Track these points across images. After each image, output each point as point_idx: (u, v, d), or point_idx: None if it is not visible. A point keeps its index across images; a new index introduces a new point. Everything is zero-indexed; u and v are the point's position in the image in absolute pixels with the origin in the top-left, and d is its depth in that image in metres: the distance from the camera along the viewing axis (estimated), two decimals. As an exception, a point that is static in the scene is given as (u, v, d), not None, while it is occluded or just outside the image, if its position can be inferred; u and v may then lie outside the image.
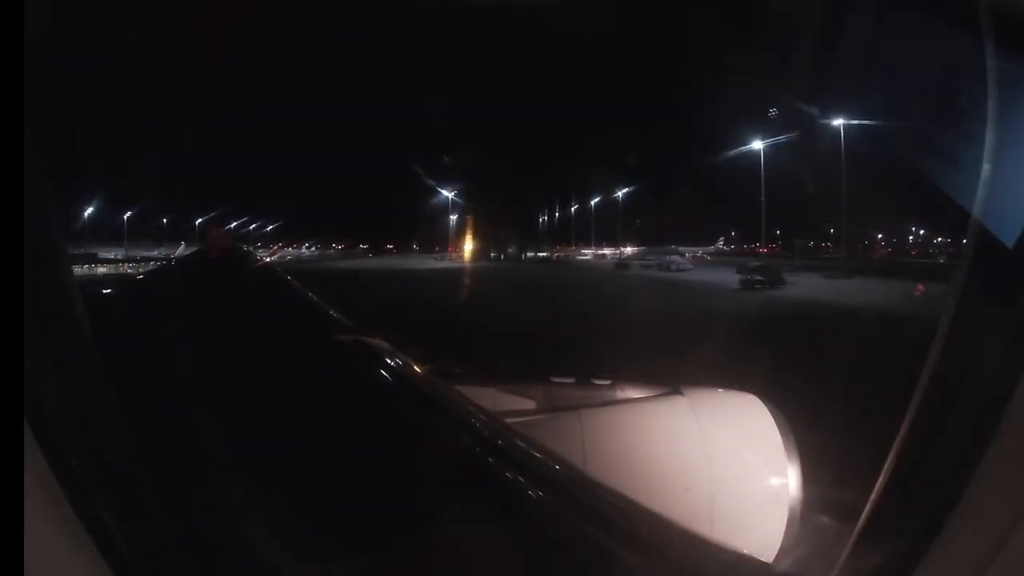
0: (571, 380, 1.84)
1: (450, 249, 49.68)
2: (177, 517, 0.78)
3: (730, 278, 24.38)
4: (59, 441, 0.68)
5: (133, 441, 0.77)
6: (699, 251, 51.10)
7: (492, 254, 45.73)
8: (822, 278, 26.52)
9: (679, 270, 33.45)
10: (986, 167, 0.81)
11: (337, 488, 0.96)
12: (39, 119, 0.70)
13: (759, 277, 23.70)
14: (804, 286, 23.31)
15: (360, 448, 1.04)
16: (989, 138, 0.82)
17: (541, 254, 48.64)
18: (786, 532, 1.41)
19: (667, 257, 38.00)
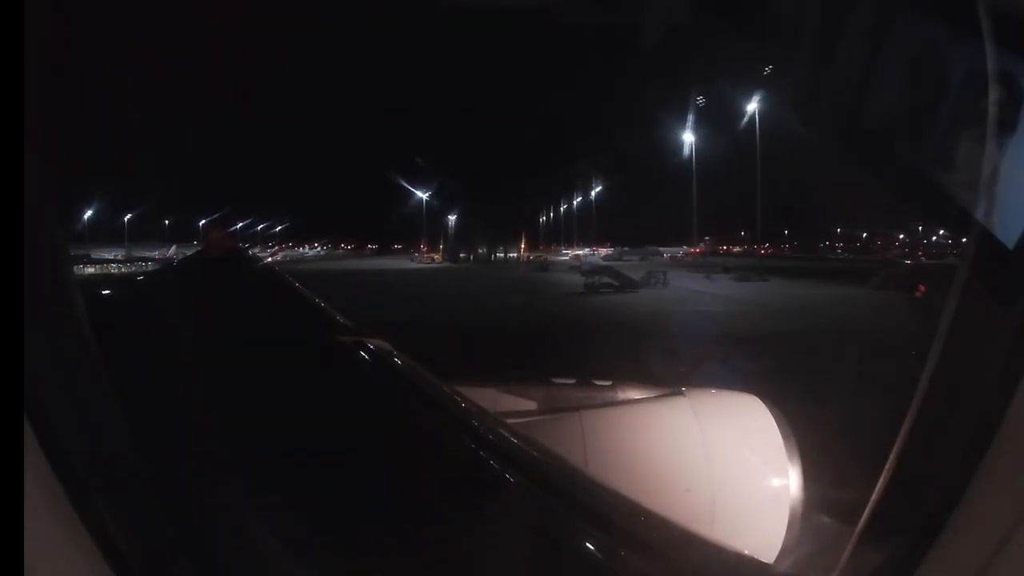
0: (571, 381, 1.84)
1: (425, 250, 49.98)
2: (177, 517, 0.78)
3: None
4: (59, 441, 0.68)
5: (133, 441, 0.77)
6: (680, 251, 51.51)
7: (462, 255, 45.66)
8: (729, 280, 26.23)
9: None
10: (986, 168, 0.81)
11: (337, 488, 0.95)
12: (39, 119, 0.70)
13: (606, 280, 23.44)
14: (674, 289, 22.91)
15: (360, 448, 1.04)
16: (989, 138, 0.82)
17: (511, 255, 48.42)
18: (787, 533, 1.41)
19: (589, 258, 38.48)
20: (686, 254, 51.13)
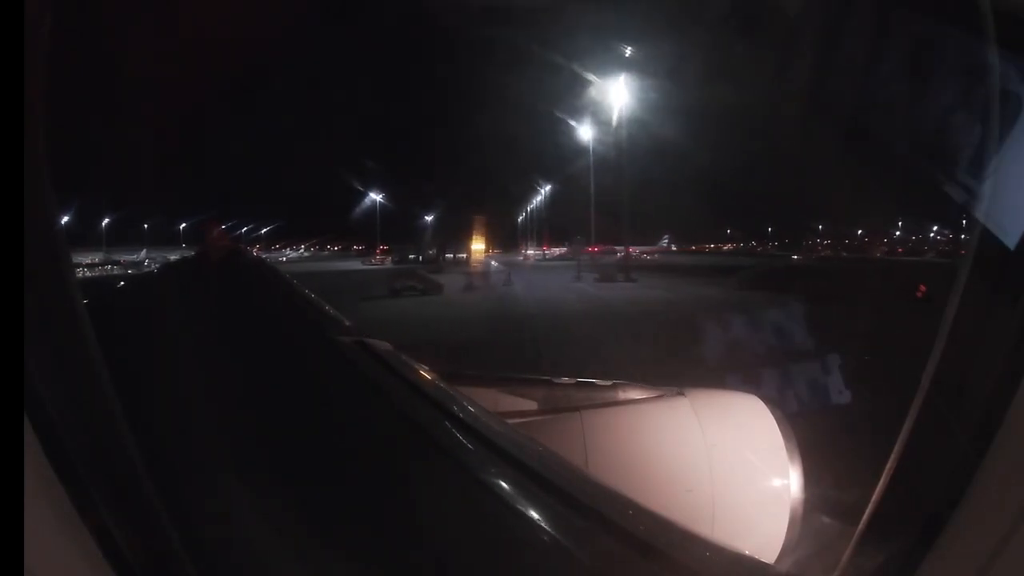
0: (572, 381, 1.84)
1: (377, 252, 49.69)
2: (178, 517, 0.78)
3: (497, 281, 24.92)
4: (60, 441, 0.68)
5: (134, 441, 0.77)
6: (636, 249, 52.30)
7: (411, 256, 45.26)
8: (592, 280, 26.02)
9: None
10: (988, 167, 0.81)
11: (338, 489, 0.95)
12: (39, 119, 0.70)
13: (409, 284, 23.04)
14: (489, 292, 22.53)
15: (361, 448, 1.04)
16: (991, 138, 0.82)
17: (460, 255, 48.05)
18: (788, 533, 1.41)
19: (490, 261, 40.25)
20: (643, 252, 52.07)
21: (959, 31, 0.89)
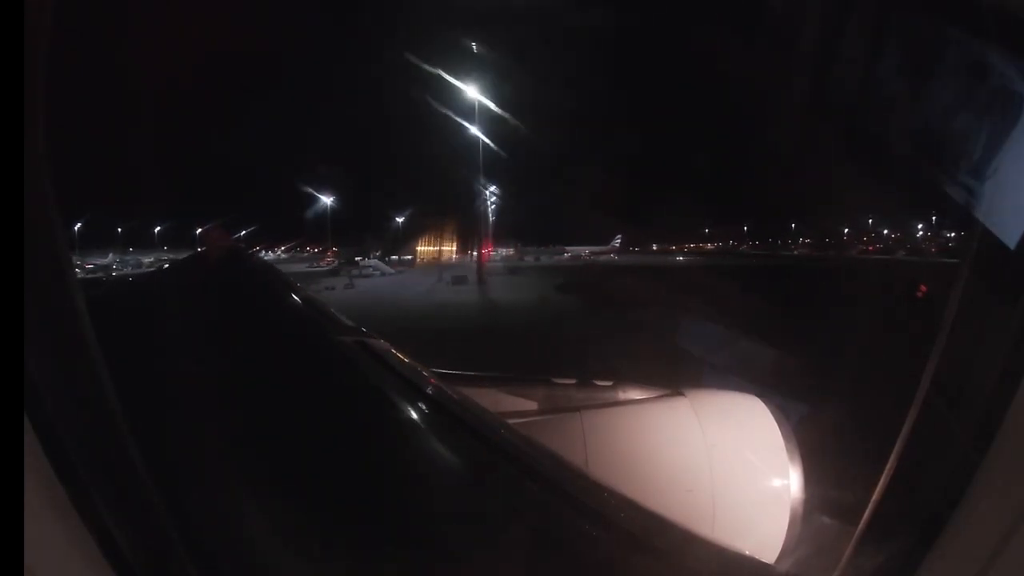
0: (572, 381, 1.84)
1: (328, 253, 49.85)
2: (177, 517, 0.78)
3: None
4: (60, 441, 0.68)
5: (134, 441, 0.77)
6: (586, 250, 52.81)
7: (356, 258, 45.18)
8: (445, 284, 27.10)
9: (361, 275, 33.26)
10: (989, 167, 0.81)
11: (338, 489, 0.95)
12: (40, 119, 0.70)
13: None
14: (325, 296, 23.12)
15: (360, 448, 1.04)
16: (991, 138, 0.82)
17: (406, 257, 49.27)
18: (788, 533, 1.41)
19: (368, 259, 41.93)
20: (592, 252, 52.83)
21: (959, 31, 0.89)
